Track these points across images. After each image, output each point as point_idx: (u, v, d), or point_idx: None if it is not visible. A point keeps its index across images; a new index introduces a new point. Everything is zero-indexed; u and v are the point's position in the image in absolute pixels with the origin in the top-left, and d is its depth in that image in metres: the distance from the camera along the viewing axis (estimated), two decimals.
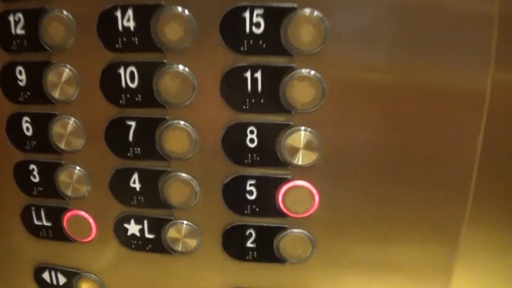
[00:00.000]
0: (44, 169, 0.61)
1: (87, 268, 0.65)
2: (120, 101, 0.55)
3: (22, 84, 0.57)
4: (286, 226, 0.58)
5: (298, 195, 0.56)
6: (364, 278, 0.60)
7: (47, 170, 0.61)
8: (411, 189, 0.55)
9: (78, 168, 0.59)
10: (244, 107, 0.54)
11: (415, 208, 0.57)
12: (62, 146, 0.59)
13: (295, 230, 0.58)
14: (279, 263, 0.60)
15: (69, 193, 0.60)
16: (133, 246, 0.61)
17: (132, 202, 0.59)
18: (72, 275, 0.66)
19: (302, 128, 0.53)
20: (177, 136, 0.55)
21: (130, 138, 0.57)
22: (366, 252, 0.59)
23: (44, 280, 0.68)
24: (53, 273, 0.67)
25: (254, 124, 0.54)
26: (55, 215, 0.63)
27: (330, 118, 0.53)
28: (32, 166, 0.62)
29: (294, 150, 0.54)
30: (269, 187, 0.56)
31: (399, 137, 0.53)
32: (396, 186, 0.55)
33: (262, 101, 0.53)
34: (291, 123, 0.54)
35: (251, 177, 0.56)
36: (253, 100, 0.53)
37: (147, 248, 0.61)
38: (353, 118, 0.50)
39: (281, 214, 0.57)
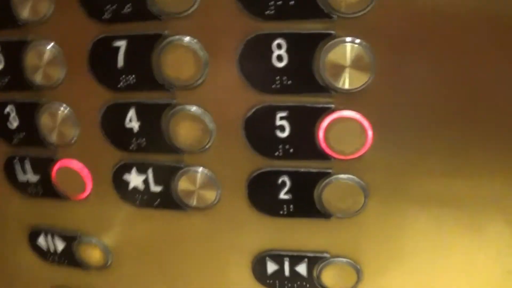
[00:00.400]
0: (23, 110, 0.47)
1: (87, 231, 0.53)
2: None
3: None
4: (330, 171, 0.44)
5: (345, 130, 0.42)
6: (426, 229, 0.47)
7: (26, 112, 0.47)
8: (484, 123, 0.42)
9: (63, 106, 0.45)
10: None
11: (489, 143, 0.44)
12: (38, 80, 0.44)
13: (342, 176, 0.44)
14: (322, 218, 0.46)
15: (53, 139, 0.46)
16: (137, 202, 0.48)
17: (131, 147, 0.45)
18: (71, 240, 0.53)
19: (348, 39, 0.38)
20: (181, 56, 0.41)
21: (120, 63, 0.43)
22: (430, 197, 0.46)
23: (39, 247, 0.55)
24: (49, 238, 0.54)
25: (282, 35, 0.38)
26: (42, 167, 0.51)
27: (384, 26, 0.37)
28: (8, 109, 0.48)
29: (339, 69, 0.39)
30: (306, 120, 0.43)
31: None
32: (467, 116, 0.41)
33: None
34: (333, 32, 0.38)
35: (281, 108, 0.42)
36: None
37: (155, 204, 0.48)
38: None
39: (323, 156, 0.43)
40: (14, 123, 0.50)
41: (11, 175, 0.54)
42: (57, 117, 0.48)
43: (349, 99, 0.43)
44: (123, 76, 0.45)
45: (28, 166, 0.52)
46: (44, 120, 0.49)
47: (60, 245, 0.56)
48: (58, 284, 0.60)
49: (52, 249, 0.57)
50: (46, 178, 0.52)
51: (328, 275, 0.51)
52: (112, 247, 0.55)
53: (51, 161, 0.51)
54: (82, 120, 0.48)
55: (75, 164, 0.50)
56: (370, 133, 0.43)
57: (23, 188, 0.54)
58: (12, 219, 0.58)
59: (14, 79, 0.48)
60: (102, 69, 0.45)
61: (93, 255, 0.55)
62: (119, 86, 0.45)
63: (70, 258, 0.57)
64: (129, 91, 0.45)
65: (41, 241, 0.57)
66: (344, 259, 0.50)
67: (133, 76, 0.45)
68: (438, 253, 0.49)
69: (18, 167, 0.53)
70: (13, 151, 0.52)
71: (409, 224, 0.48)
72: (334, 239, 0.49)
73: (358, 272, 0.50)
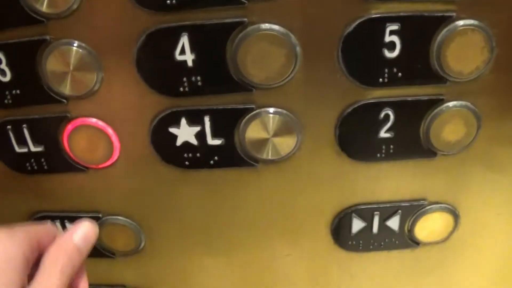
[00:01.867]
0: (18, 54, 0.34)
1: (111, 208, 0.42)
2: None
3: None
4: (442, 97, 0.34)
5: (467, 42, 0.35)
6: None
7: (23, 56, 0.34)
8: None
9: (76, 43, 0.32)
10: None
11: None
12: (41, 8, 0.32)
13: (456, 103, 0.35)
14: (426, 158, 0.37)
15: (66, 89, 0.34)
16: (186, 163, 0.36)
17: (182, 88, 0.34)
18: None
19: None
20: None
21: None
22: None
23: None
24: (58, 224, 0.44)
25: None
26: (48, 130, 0.37)
27: None
28: None
29: None
30: (422, 31, 0.35)
31: None
32: None
33: None
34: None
35: (393, 19, 0.35)
36: None
37: (212, 162, 0.36)
38: None
39: (437, 79, 0.34)
40: (5, 75, 0.37)
41: (3, 148, 0.40)
42: (70, 58, 0.35)
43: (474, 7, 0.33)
44: None
45: (27, 132, 0.39)
46: (51, 64, 0.35)
47: None
48: None
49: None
50: (54, 145, 0.39)
51: (422, 226, 0.43)
52: (145, 226, 0.43)
53: (62, 121, 0.38)
54: (106, 58, 0.35)
55: (96, 123, 0.38)
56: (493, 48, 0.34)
57: (20, 162, 0.40)
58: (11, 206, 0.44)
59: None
60: None
61: (121, 237, 0.43)
62: (167, 3, 0.33)
63: None
64: (181, 11, 0.33)
65: None
66: (443, 205, 0.41)
67: None
68: None
69: (12, 136, 0.39)
70: (5, 114, 0.38)
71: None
72: (434, 182, 0.42)
73: (457, 218, 0.43)
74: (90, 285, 0.47)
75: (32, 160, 0.41)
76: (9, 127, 0.39)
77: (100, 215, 0.43)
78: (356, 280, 0.46)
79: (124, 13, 0.34)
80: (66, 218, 0.44)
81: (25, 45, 0.36)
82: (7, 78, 0.37)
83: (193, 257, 0.45)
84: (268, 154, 0.38)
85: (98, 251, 0.45)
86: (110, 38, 0.36)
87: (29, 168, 0.41)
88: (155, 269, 0.47)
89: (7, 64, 0.36)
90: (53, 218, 0.44)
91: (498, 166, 0.41)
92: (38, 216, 0.44)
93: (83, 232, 0.33)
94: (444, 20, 0.34)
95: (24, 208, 0.43)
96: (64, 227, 0.44)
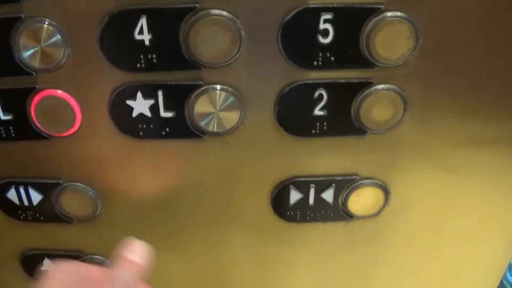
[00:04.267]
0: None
1: (71, 175, 0.47)
2: None
3: None
4: (371, 81, 0.41)
5: (393, 31, 0.40)
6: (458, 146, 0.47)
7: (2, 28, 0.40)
8: None
9: (47, 21, 0.38)
10: None
11: None
12: None
13: (383, 86, 0.42)
14: (356, 135, 0.44)
15: (36, 63, 0.39)
16: (141, 133, 0.43)
17: (139, 65, 0.40)
18: (50, 188, 0.46)
19: None
20: None
21: None
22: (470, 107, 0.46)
23: (10, 201, 0.48)
24: (21, 190, 0.48)
25: None
26: (17, 101, 0.44)
27: None
28: None
29: None
30: (352, 22, 0.41)
31: None
32: None
33: None
34: None
35: (326, 9, 0.40)
36: None
37: (164, 133, 0.42)
38: None
39: (367, 64, 0.40)
40: None
41: None
42: (41, 34, 0.41)
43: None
44: None
45: None
46: (24, 40, 0.41)
47: (36, 197, 0.49)
48: (31, 247, 0.53)
49: (26, 203, 0.49)
50: (22, 114, 0.45)
51: (354, 200, 0.49)
52: (102, 193, 0.49)
53: (30, 92, 0.43)
54: (73, 35, 0.41)
55: (62, 94, 0.43)
56: (418, 37, 0.40)
57: None
58: None
59: None
60: None
61: (79, 203, 0.49)
62: None
63: (48, 211, 0.50)
64: None
65: (12, 194, 0.49)
66: (374, 181, 0.48)
67: None
68: (466, 173, 0.49)
69: None
70: None
71: (441, 141, 0.47)
72: (365, 159, 0.48)
73: (387, 193, 0.49)
74: (47, 250, 0.52)
75: (1, 127, 0.46)
76: None
77: (61, 181, 0.48)
78: (295, 250, 0.52)
79: None
80: (30, 184, 0.49)
81: (1, 22, 0.41)
82: None
83: (147, 225, 0.51)
84: (214, 127, 0.44)
85: (56, 217, 0.50)
86: (78, 18, 0.41)
87: None
88: (111, 236, 0.51)
89: None
90: (17, 184, 0.49)
91: (424, 147, 0.47)
92: (3, 182, 0.49)
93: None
94: (373, 12, 0.41)
95: None
96: (27, 192, 0.49)
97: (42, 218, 0.51)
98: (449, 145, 0.47)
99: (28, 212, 0.50)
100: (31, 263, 0.55)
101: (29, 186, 0.49)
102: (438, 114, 0.45)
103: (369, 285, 0.56)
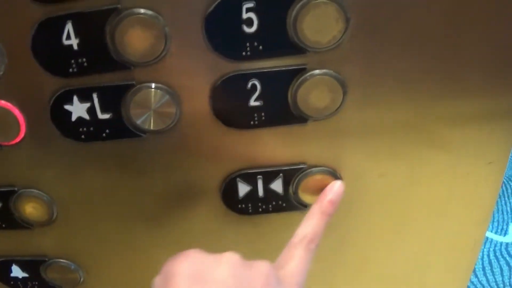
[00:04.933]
0: None
1: (25, 181, 0.48)
2: None
3: None
4: (305, 67, 0.41)
5: (321, 14, 0.39)
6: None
7: None
8: None
9: None
10: None
11: None
12: None
13: (318, 72, 0.41)
14: (297, 124, 0.43)
15: None
16: (82, 136, 0.44)
17: (71, 69, 0.40)
18: (7, 195, 0.48)
19: None
20: None
21: None
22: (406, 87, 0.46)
23: None
24: None
25: None
26: None
27: None
28: None
29: None
30: (276, 8, 0.40)
31: None
32: None
33: None
34: None
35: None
36: None
37: (104, 134, 0.44)
38: None
39: (297, 49, 0.40)
40: None
41: None
42: None
43: None
44: None
45: None
46: None
47: None
48: None
49: None
50: None
51: (305, 189, 0.49)
52: (56, 197, 0.50)
53: None
54: (9, 47, 0.42)
55: (4, 104, 0.44)
56: (348, 18, 0.40)
57: None
58: None
59: None
60: None
61: (35, 209, 0.50)
62: None
63: (8, 219, 0.51)
64: (65, 2, 0.40)
65: None
66: (323, 168, 0.48)
67: None
68: (419, 153, 0.49)
69: None
70: None
71: (388, 121, 0.46)
72: (310, 146, 0.48)
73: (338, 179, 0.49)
74: (14, 257, 0.54)
75: None
76: None
77: (15, 189, 0.49)
78: (251, 243, 0.53)
79: (20, 7, 0.41)
80: None
81: None
82: None
83: (104, 224, 0.52)
84: (150, 125, 0.45)
85: (17, 223, 0.51)
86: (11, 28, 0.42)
87: None
88: (72, 239, 0.53)
89: None
90: None
91: (370, 128, 0.47)
92: None
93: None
94: None
95: None
96: None
97: (4, 225, 0.52)
98: (398, 126, 0.47)
99: None
100: (1, 271, 0.56)
101: None
102: (382, 94, 0.45)
103: (334, 273, 0.56)
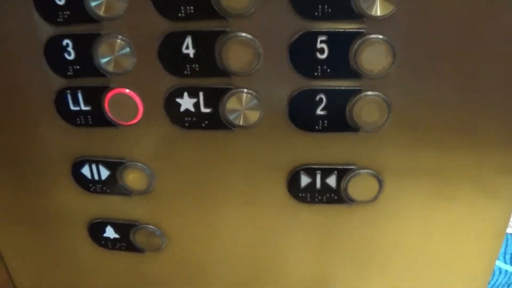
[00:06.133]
0: (80, 42, 0.57)
1: (133, 156, 0.63)
2: None
3: None
4: (360, 88, 0.55)
5: (375, 50, 0.53)
6: (441, 140, 0.59)
7: (83, 44, 0.57)
8: None
9: (120, 37, 0.55)
10: None
11: None
12: (101, 12, 0.55)
13: (370, 93, 0.55)
14: (351, 132, 0.57)
15: (110, 68, 0.57)
16: (186, 124, 0.59)
17: (186, 72, 0.56)
18: (116, 166, 0.63)
19: None
20: None
21: None
22: (448, 110, 0.56)
23: (83, 176, 0.65)
24: (93, 166, 0.64)
25: None
26: (95, 96, 0.60)
27: None
28: (66, 41, 0.58)
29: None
30: (342, 43, 0.53)
31: None
32: None
33: None
34: None
35: (322, 33, 0.53)
36: None
37: (203, 124, 0.59)
38: None
39: (355, 75, 0.54)
40: (70, 55, 0.60)
41: (61, 107, 0.63)
42: (115, 47, 0.58)
43: (379, 24, 0.55)
44: (182, 7, 0.56)
45: (80, 96, 0.62)
46: (102, 51, 0.59)
47: (104, 173, 0.66)
48: (95, 217, 0.70)
49: (96, 178, 0.67)
50: (98, 106, 0.62)
51: (354, 186, 0.63)
52: (156, 172, 0.66)
53: (105, 90, 0.61)
54: (139, 50, 0.58)
55: (129, 92, 0.60)
56: (395, 54, 0.55)
57: (72, 118, 0.63)
58: (55, 151, 0.67)
59: (75, 13, 0.58)
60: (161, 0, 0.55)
61: (137, 179, 0.66)
62: (178, 15, 0.56)
63: (112, 185, 0.67)
64: (187, 21, 0.56)
65: (85, 170, 0.67)
66: (369, 170, 0.62)
67: (191, 7, 0.56)
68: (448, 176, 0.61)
69: (70, 98, 0.63)
70: (66, 83, 0.62)
71: (421, 143, 0.61)
72: (360, 152, 0.62)
73: (380, 182, 0.63)
74: (109, 219, 0.70)
75: (81, 116, 0.64)
76: None
77: (124, 161, 0.65)
78: (302, 227, 0.67)
79: (152, 21, 0.57)
80: (100, 162, 0.66)
81: None
82: None
83: (191, 198, 0.67)
84: (240, 121, 0.60)
85: (118, 190, 0.67)
86: (140, 38, 0.58)
87: None
88: (162, 209, 0.69)
89: None
90: (90, 162, 0.66)
91: (410, 146, 0.62)
92: (79, 160, 0.67)
93: None
94: (358, 35, 0.55)
95: None
96: (98, 168, 0.67)
97: (108, 190, 0.68)
98: (433, 147, 0.61)
99: (97, 185, 0.67)
100: (96, 231, 0.72)
101: (99, 164, 0.66)
102: (419, 116, 0.59)
103: (362, 267, 0.69)
